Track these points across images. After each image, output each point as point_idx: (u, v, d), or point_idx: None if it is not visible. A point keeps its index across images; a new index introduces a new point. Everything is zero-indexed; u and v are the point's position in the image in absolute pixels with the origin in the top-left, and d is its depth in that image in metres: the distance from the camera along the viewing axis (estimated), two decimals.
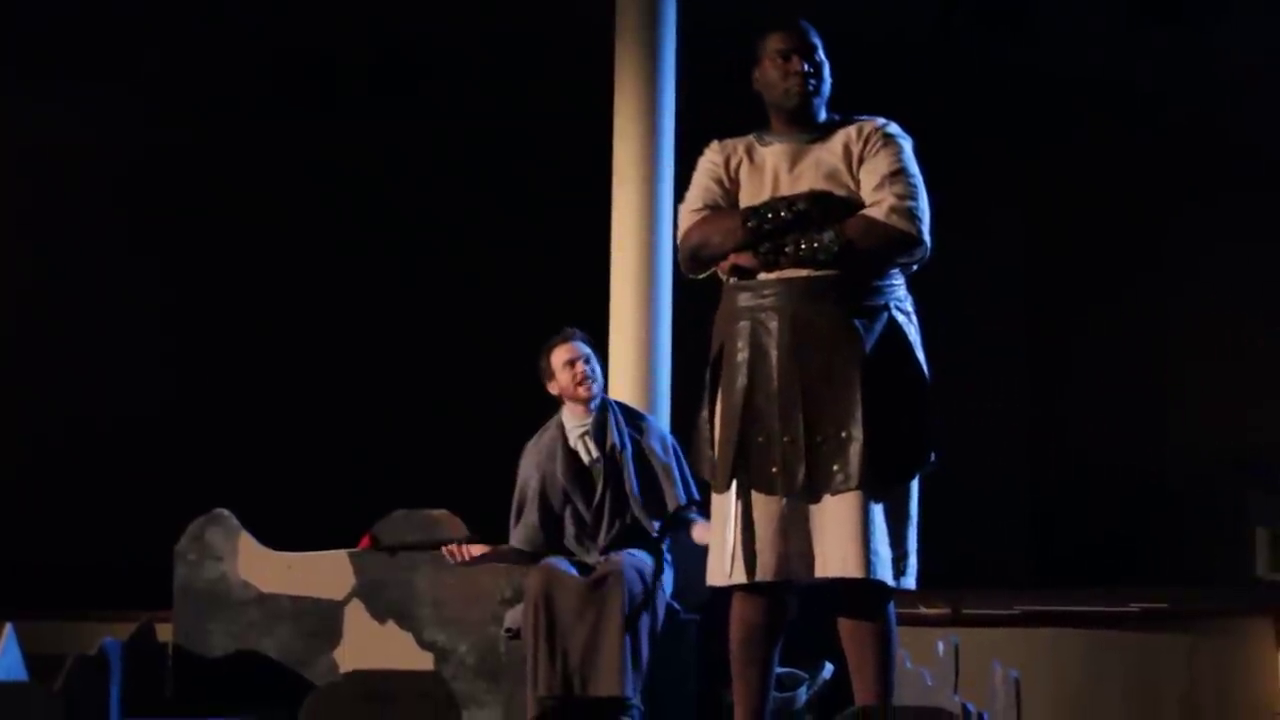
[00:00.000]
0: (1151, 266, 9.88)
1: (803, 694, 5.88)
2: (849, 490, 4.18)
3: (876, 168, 4.32)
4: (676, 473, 5.86)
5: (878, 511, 4.20)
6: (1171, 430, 9.83)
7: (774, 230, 4.30)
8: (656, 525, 5.81)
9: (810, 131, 4.43)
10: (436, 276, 9.57)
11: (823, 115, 4.48)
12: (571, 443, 5.88)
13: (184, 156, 9.46)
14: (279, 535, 6.64)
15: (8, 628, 5.54)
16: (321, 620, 6.49)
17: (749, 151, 4.49)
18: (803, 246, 4.26)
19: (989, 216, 9.95)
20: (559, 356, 5.85)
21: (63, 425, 9.09)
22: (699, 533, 5.76)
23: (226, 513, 6.63)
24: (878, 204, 4.28)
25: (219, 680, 6.40)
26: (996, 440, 9.62)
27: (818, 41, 4.46)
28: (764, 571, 4.28)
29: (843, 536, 4.18)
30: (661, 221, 7.04)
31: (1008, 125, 9.74)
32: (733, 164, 4.50)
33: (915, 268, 4.44)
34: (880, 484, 4.20)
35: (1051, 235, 9.95)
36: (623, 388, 6.91)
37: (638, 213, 7.11)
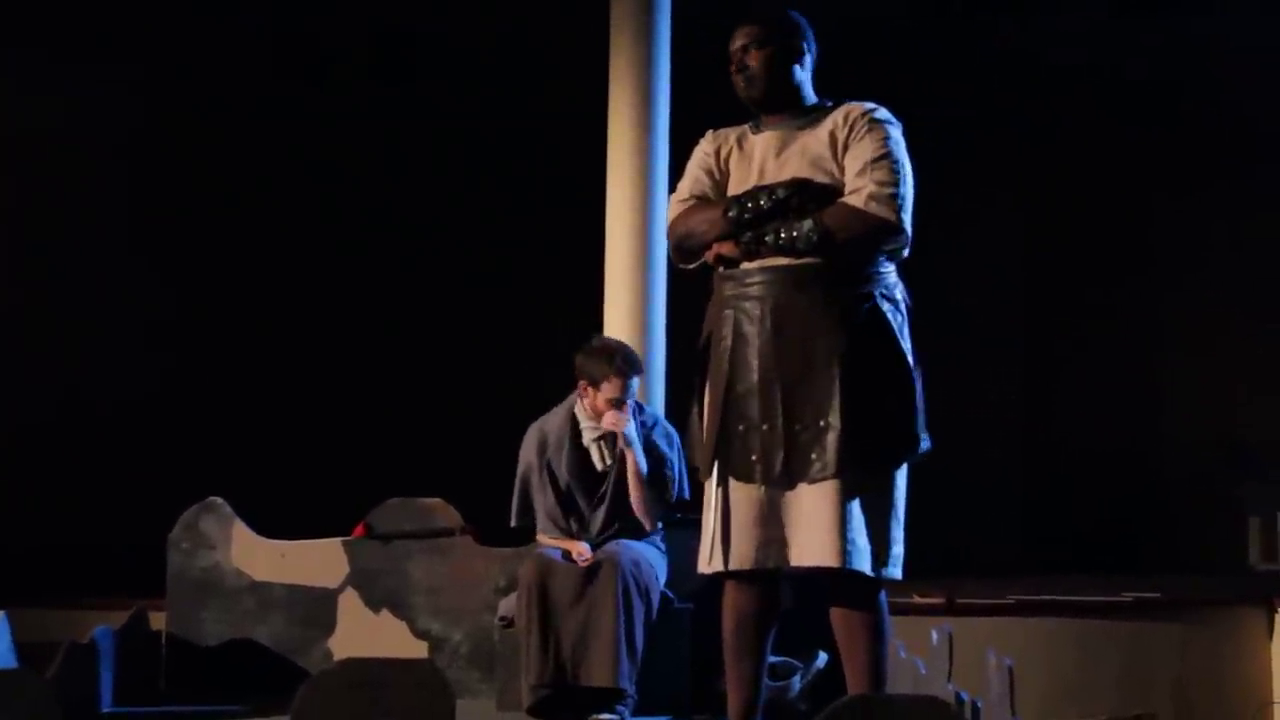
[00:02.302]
0: (1147, 257, 9.89)
1: (796, 683, 5.89)
2: (826, 479, 4.18)
3: (860, 154, 4.29)
4: (675, 471, 5.86)
5: (857, 501, 4.18)
6: (1166, 421, 9.84)
7: (754, 219, 4.30)
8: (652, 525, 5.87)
9: (800, 118, 4.43)
10: (431, 267, 9.56)
11: (812, 99, 4.48)
12: (585, 442, 5.87)
13: (180, 147, 9.43)
14: (273, 523, 6.64)
15: (1, 615, 5.54)
16: (315, 608, 6.50)
17: (740, 140, 4.50)
18: (782, 235, 4.26)
19: (984, 207, 9.95)
20: (610, 388, 5.72)
21: (56, 413, 9.07)
22: None
23: (220, 501, 6.63)
24: (857, 191, 4.25)
25: (212, 668, 6.41)
26: (992, 430, 9.63)
27: (763, 35, 4.44)
28: (740, 560, 4.30)
29: (819, 525, 4.18)
30: (655, 213, 7.03)
31: (1003, 115, 9.73)
32: (723, 153, 4.51)
33: (906, 254, 4.41)
34: (860, 473, 4.18)
35: (1046, 226, 9.95)
36: None
37: (632, 204, 7.11)
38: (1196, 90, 9.56)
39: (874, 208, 4.22)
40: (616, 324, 7.01)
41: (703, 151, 4.56)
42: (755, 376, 4.29)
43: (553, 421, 5.95)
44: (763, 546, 4.27)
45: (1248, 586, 8.26)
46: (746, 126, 4.52)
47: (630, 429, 5.72)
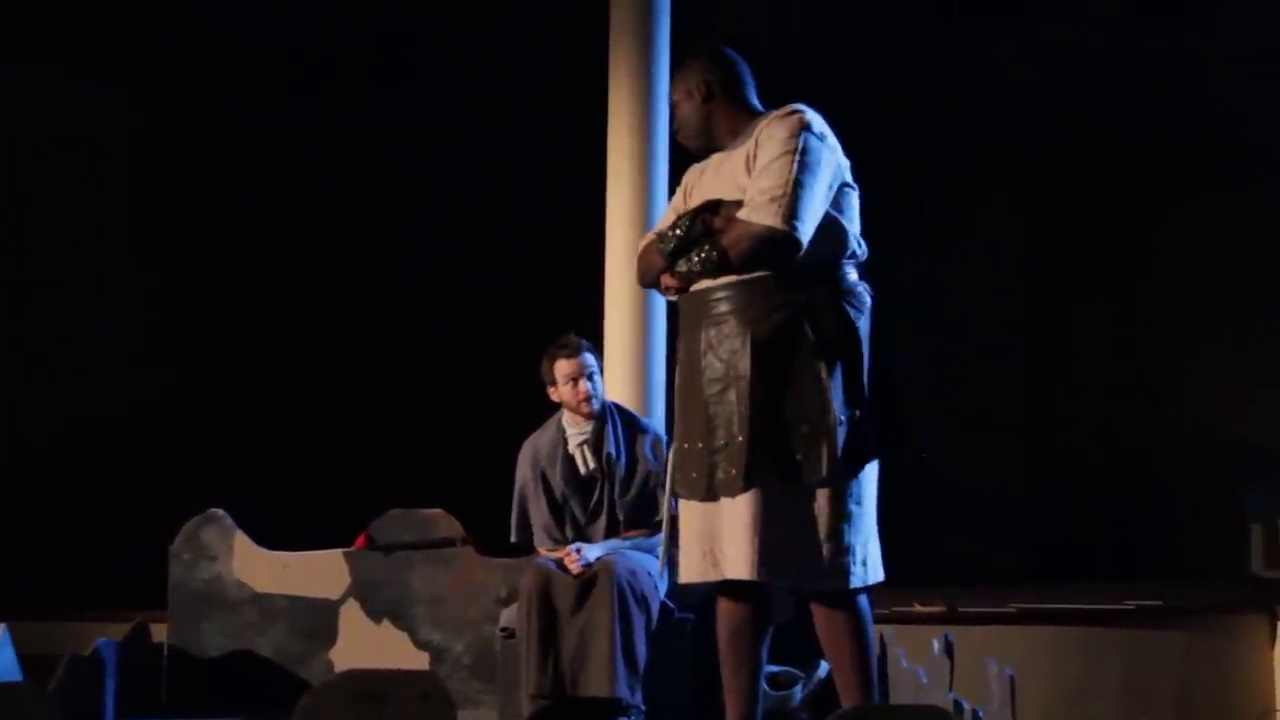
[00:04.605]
0: (1147, 261, 9.88)
1: (798, 693, 5.89)
2: (740, 493, 4.20)
3: (758, 163, 4.26)
4: (666, 481, 5.86)
5: (779, 513, 4.17)
6: (1167, 426, 9.83)
7: (678, 249, 4.31)
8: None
9: (739, 136, 4.41)
10: (432, 275, 9.56)
11: (757, 113, 4.44)
12: (570, 449, 5.91)
13: (180, 153, 9.44)
14: (274, 535, 6.65)
15: (3, 628, 5.54)
16: (317, 620, 6.50)
17: (703, 170, 4.53)
18: (694, 260, 4.28)
19: (984, 212, 9.94)
20: (562, 370, 5.88)
21: (57, 425, 9.07)
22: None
23: (221, 512, 6.64)
24: (746, 203, 4.22)
25: (214, 680, 6.42)
26: (992, 437, 9.62)
27: (676, 88, 4.49)
28: (686, 573, 4.40)
29: (736, 538, 4.21)
30: (656, 219, 7.03)
31: (1002, 118, 9.72)
32: (689, 184, 4.56)
33: (860, 254, 4.34)
34: (779, 486, 4.18)
35: (1046, 232, 9.94)
36: (617, 387, 6.90)
37: (632, 211, 7.11)
38: (1198, 95, 9.55)
39: (755, 216, 4.17)
40: (617, 332, 7.02)
41: (680, 187, 4.61)
42: (689, 396, 4.36)
43: (544, 436, 6.01)
44: (700, 560, 4.34)
45: (1250, 593, 8.25)
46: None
47: (589, 556, 5.68)
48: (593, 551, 5.71)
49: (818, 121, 4.31)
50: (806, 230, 4.17)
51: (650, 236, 4.53)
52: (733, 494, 4.21)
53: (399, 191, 9.62)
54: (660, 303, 7.11)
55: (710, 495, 4.28)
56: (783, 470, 4.18)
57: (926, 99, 9.04)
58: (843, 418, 4.20)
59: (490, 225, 9.53)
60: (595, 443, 5.89)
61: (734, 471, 4.20)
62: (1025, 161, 9.84)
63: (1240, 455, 9.47)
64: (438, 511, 6.57)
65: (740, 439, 4.20)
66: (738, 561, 4.20)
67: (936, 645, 5.59)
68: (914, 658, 5.69)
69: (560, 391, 5.90)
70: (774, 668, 5.68)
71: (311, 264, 9.54)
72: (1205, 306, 9.67)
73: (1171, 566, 9.08)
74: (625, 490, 5.87)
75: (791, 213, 4.15)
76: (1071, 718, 7.15)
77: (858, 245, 4.37)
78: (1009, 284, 10.07)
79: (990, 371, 9.82)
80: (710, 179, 4.44)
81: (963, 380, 9.17)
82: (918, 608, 7.20)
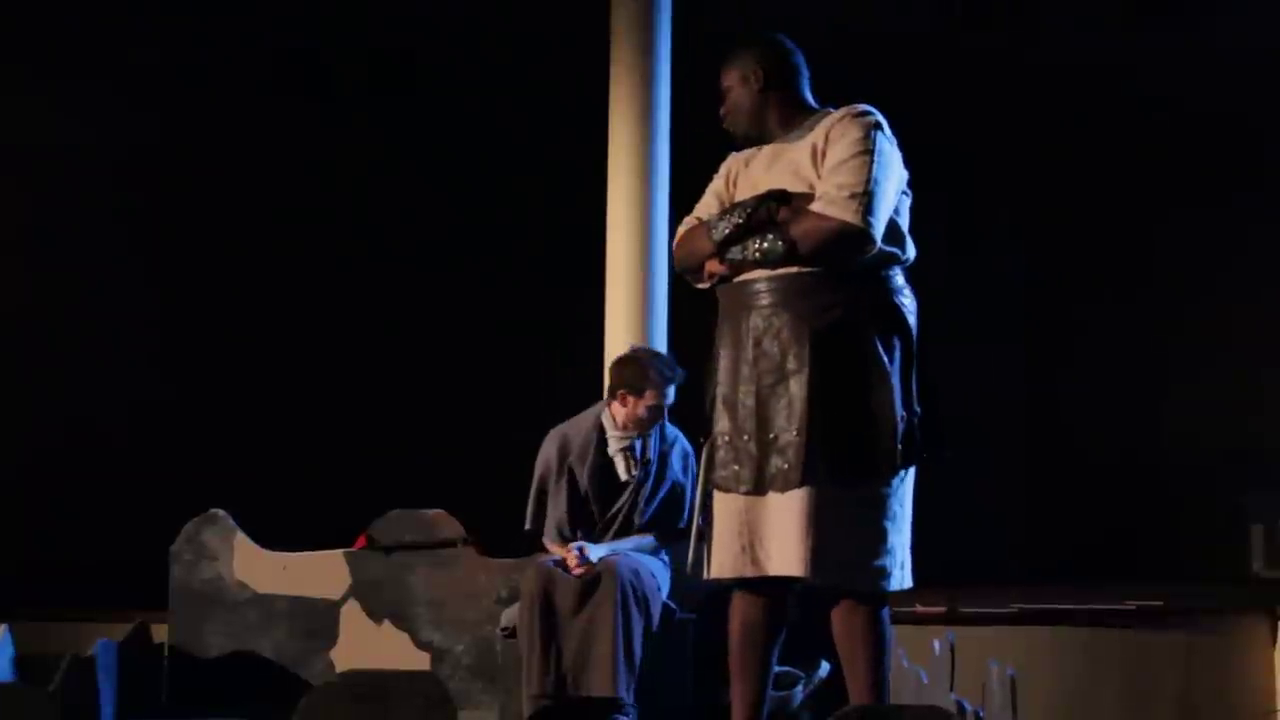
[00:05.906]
0: (1148, 260, 9.87)
1: (799, 693, 5.89)
2: (794, 489, 4.18)
3: (831, 159, 4.27)
4: (689, 493, 5.86)
5: (830, 512, 4.16)
6: (1167, 426, 9.82)
7: (732, 235, 4.31)
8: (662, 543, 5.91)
9: (795, 130, 4.43)
10: (431, 275, 9.55)
11: (811, 109, 4.47)
12: (610, 452, 5.88)
13: (177, 155, 9.43)
14: (275, 535, 6.64)
15: (3, 629, 5.54)
16: (317, 620, 6.51)
17: (749, 159, 4.52)
18: (755, 249, 4.27)
19: (984, 211, 9.93)
20: (650, 397, 5.79)
21: (58, 425, 9.06)
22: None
23: (222, 513, 6.64)
24: (820, 197, 4.24)
25: (214, 681, 6.42)
26: (993, 437, 9.61)
27: (730, 74, 4.51)
28: (719, 569, 4.35)
29: (786, 534, 4.18)
30: (656, 220, 7.04)
31: (1004, 114, 9.71)
32: (732, 174, 4.55)
33: (909, 258, 4.37)
34: (830, 484, 4.17)
35: (1048, 229, 9.93)
36: None
37: (632, 212, 7.11)
38: (1204, 93, 9.53)
39: (832, 211, 4.19)
40: (617, 332, 7.01)
41: (718, 174, 4.61)
42: (736, 387, 4.33)
43: (578, 427, 5.95)
44: (738, 555, 4.30)
45: (1250, 594, 8.25)
46: (765, 144, 4.53)
47: (591, 556, 5.67)
48: (595, 552, 5.70)
49: (887, 126, 4.35)
50: (880, 230, 4.22)
51: (692, 221, 4.53)
52: (786, 489, 4.18)
53: (398, 192, 9.61)
54: (661, 303, 7.11)
55: (759, 489, 4.24)
56: (837, 468, 4.17)
57: (927, 99, 9.03)
58: (900, 417, 4.21)
59: (490, 225, 9.52)
60: (638, 450, 5.88)
61: (788, 466, 4.19)
62: (1026, 162, 9.83)
63: (1240, 455, 9.46)
64: (438, 512, 6.57)
65: (796, 433, 4.19)
66: (786, 559, 4.18)
67: (938, 646, 5.59)
68: (915, 658, 5.69)
69: (635, 407, 5.82)
70: (775, 668, 5.68)
71: (312, 265, 9.52)
72: (1206, 306, 9.66)
73: (1171, 566, 9.07)
74: (651, 498, 5.86)
75: (869, 210, 4.18)
76: (1072, 718, 7.15)
77: (910, 249, 4.39)
78: (1010, 283, 10.06)
79: (992, 370, 9.81)
80: (760, 169, 4.43)
81: (964, 380, 9.15)
82: (919, 608, 7.20)
